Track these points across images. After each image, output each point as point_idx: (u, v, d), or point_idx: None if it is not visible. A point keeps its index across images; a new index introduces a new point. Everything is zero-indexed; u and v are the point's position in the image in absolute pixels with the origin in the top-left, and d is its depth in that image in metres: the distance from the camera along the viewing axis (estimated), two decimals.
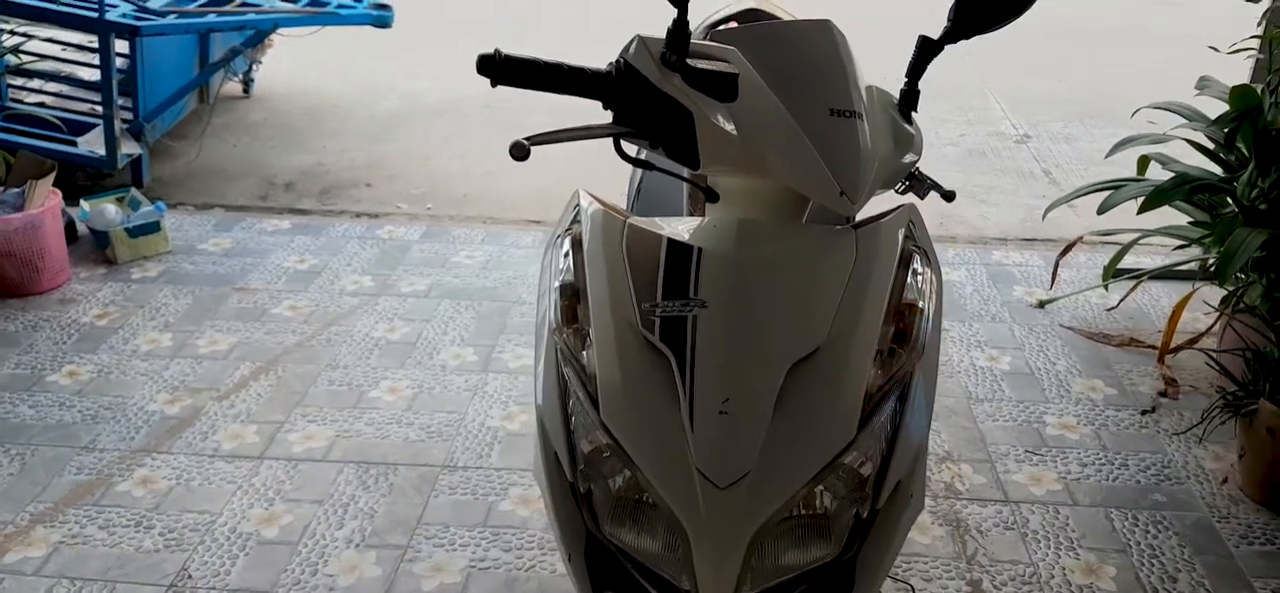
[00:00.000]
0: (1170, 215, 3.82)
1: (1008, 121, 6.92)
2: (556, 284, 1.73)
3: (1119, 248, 3.87)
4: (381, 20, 5.47)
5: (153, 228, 4.47)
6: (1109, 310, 4.29)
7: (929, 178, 1.86)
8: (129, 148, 5.02)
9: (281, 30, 5.65)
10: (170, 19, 5.06)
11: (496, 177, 5.65)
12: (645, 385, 1.56)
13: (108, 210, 4.44)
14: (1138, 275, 4.11)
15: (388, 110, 6.78)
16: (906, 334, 1.66)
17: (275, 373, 3.69)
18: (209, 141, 5.94)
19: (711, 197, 1.77)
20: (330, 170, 5.71)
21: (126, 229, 4.40)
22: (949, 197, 1.86)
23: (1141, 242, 3.86)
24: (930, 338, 1.68)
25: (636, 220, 1.73)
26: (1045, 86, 7.68)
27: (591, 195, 1.82)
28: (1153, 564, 2.94)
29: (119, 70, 4.92)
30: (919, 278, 1.70)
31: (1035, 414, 3.58)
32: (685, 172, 1.66)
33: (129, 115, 5.14)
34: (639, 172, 2.62)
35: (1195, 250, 3.89)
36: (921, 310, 1.67)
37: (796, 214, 1.75)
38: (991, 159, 6.22)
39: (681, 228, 1.73)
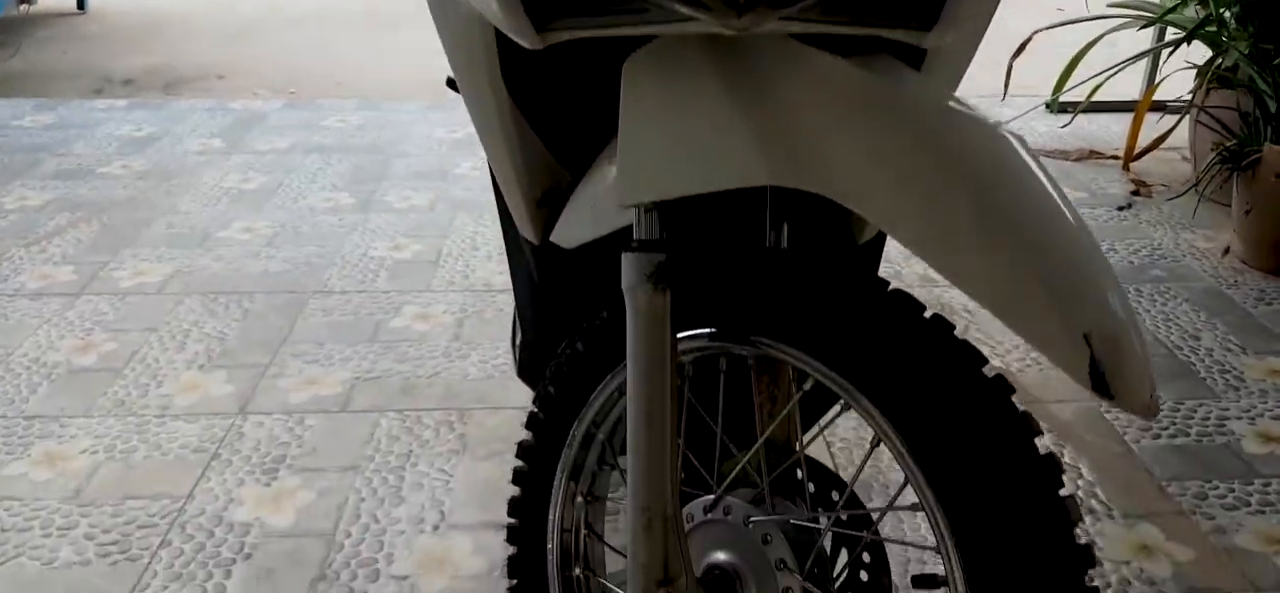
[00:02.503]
0: None
1: None
2: None
3: (1072, 56, 3.48)
4: None
5: None
6: (1063, 127, 3.89)
7: None
8: None
9: None
10: None
11: (373, 65, 5.01)
12: None
13: None
14: (1096, 87, 3.69)
15: (245, 16, 6.07)
16: None
17: (100, 221, 3.01)
18: (32, 51, 5.17)
19: None
20: (177, 68, 4.99)
21: None
22: None
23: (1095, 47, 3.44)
24: None
25: None
26: None
27: None
28: (1170, 327, 2.49)
29: None
30: None
31: None
32: None
33: None
34: None
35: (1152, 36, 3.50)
36: None
37: None
38: None
39: None
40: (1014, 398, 0.90)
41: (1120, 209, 3.25)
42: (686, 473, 1.15)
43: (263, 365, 2.26)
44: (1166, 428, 2.09)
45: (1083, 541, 0.88)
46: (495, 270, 2.73)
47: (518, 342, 1.69)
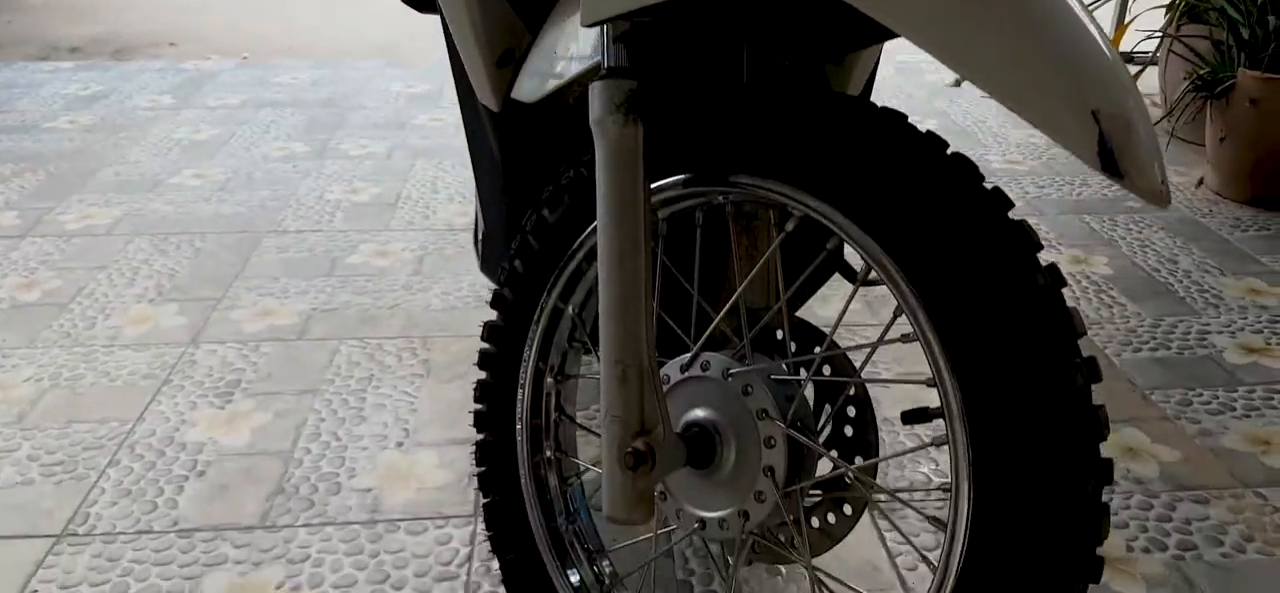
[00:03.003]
0: None
1: None
2: None
3: None
4: None
5: None
6: None
7: None
8: None
9: None
10: None
11: (329, 29, 4.90)
12: None
13: None
14: None
15: None
16: None
17: (46, 170, 2.90)
18: None
19: None
20: (125, 36, 4.86)
21: None
22: None
23: None
24: None
25: None
26: None
27: None
28: (1146, 252, 2.46)
29: None
30: None
31: (977, 157, 3.08)
32: None
33: None
34: None
35: None
36: None
37: None
38: None
39: None
40: (1011, 212, 0.84)
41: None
42: (662, 337, 1.08)
43: (215, 299, 2.17)
44: (1147, 342, 2.05)
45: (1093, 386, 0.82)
46: (457, 211, 2.65)
47: (480, 236, 1.61)
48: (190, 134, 3.23)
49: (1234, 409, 1.82)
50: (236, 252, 2.39)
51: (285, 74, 3.93)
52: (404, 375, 1.89)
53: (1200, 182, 2.85)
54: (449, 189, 2.80)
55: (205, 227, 2.53)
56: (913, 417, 0.95)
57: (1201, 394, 1.87)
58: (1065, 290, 2.21)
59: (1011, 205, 0.85)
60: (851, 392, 1.04)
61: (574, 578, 1.17)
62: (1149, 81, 3.41)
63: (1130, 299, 2.22)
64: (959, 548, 0.86)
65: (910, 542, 0.98)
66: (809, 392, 1.05)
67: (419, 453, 1.67)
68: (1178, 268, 2.38)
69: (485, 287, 2.23)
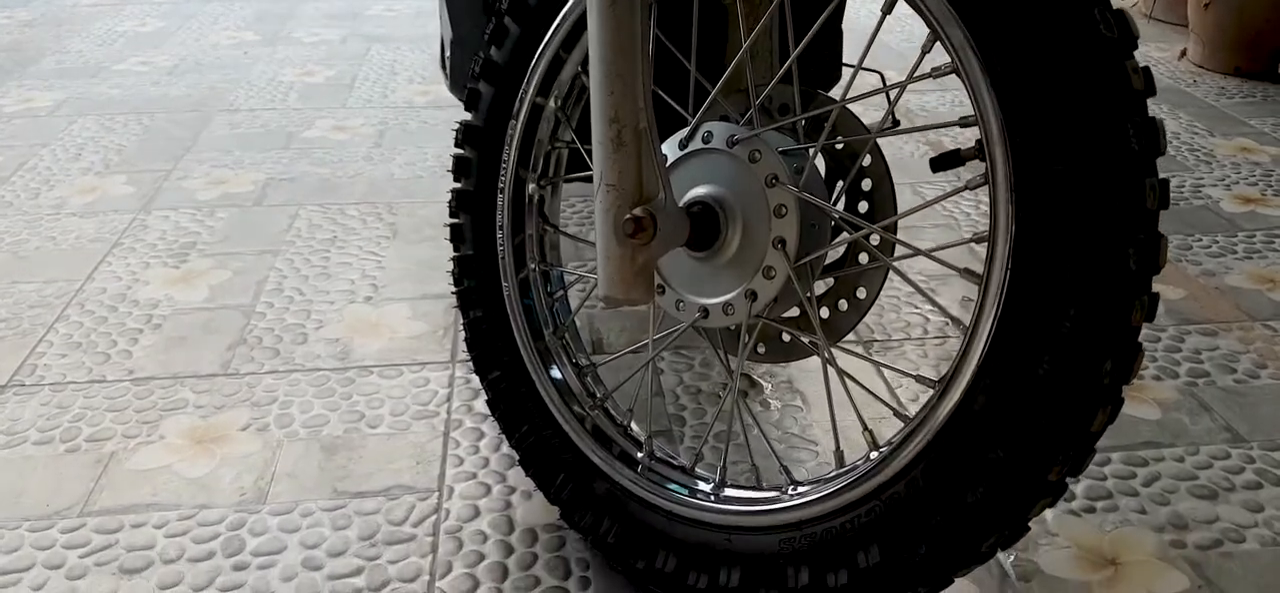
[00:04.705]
0: None
1: None
2: None
3: None
4: None
5: None
6: None
7: None
8: None
9: None
10: None
11: None
12: None
13: None
14: None
15: None
16: None
17: None
18: None
19: None
20: None
21: None
22: None
23: None
24: None
25: None
26: None
27: None
28: None
29: None
30: None
31: None
32: None
33: None
34: None
35: None
36: None
37: None
38: None
39: None
40: None
41: None
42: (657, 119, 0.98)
43: (166, 171, 2.05)
44: None
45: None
46: (418, 91, 2.53)
47: (447, 53, 1.51)
48: (135, 26, 3.07)
49: (1236, 251, 1.76)
50: (187, 128, 2.27)
51: None
52: (369, 238, 1.79)
53: (1182, 53, 2.79)
54: (408, 72, 2.68)
55: (153, 107, 2.40)
56: (943, 162, 0.87)
57: (1201, 239, 1.81)
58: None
59: None
60: (867, 160, 0.95)
61: (557, 376, 1.08)
62: None
63: None
64: (994, 299, 0.78)
65: (937, 304, 0.90)
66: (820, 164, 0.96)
67: (389, 306, 1.57)
68: (1167, 130, 2.31)
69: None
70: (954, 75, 0.78)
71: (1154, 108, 2.48)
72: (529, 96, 1.05)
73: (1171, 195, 1.98)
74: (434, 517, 1.12)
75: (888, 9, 0.84)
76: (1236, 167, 2.11)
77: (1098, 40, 0.72)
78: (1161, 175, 0.74)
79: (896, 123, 0.92)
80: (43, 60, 2.74)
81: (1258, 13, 2.59)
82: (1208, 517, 1.13)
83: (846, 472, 0.87)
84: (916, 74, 0.83)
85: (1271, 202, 1.95)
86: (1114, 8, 0.73)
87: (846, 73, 1.59)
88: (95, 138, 2.20)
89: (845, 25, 1.56)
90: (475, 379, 1.34)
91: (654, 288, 0.93)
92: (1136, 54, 0.75)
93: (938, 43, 0.78)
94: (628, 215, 0.84)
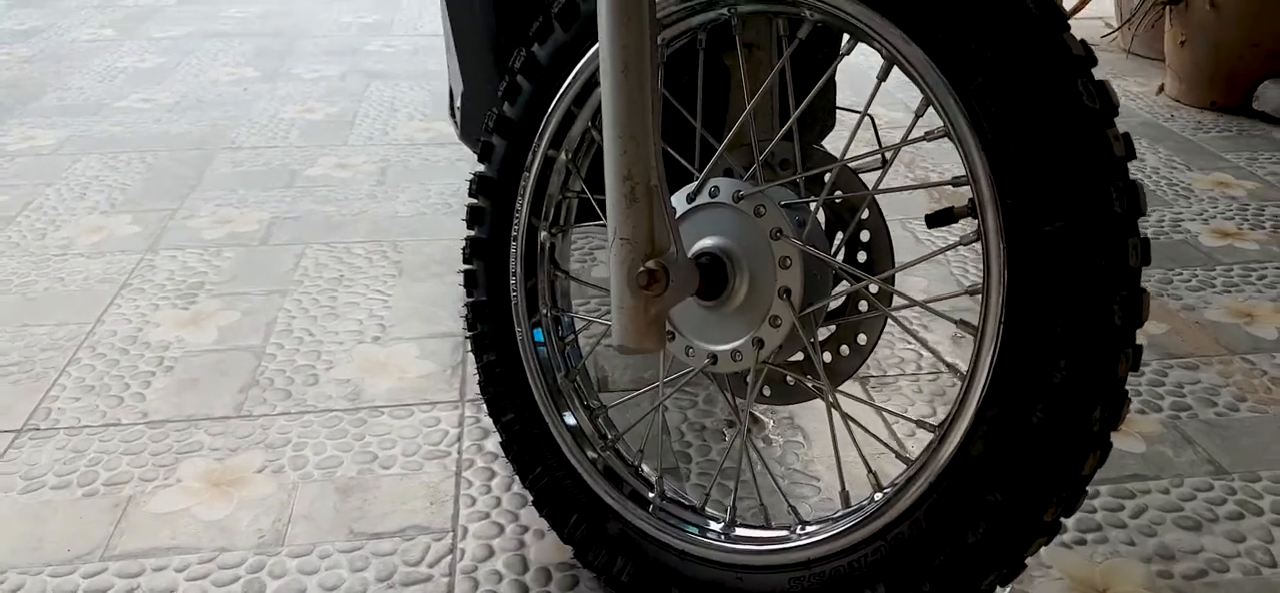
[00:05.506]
0: None
1: None
2: None
3: None
4: None
5: None
6: None
7: None
8: None
9: None
10: None
11: None
12: None
13: None
14: None
15: None
16: None
17: None
18: None
19: None
20: None
21: None
22: None
23: None
24: None
25: None
26: None
27: None
28: None
29: None
30: None
31: None
32: None
33: None
34: None
35: None
36: None
37: None
38: None
39: None
40: None
41: None
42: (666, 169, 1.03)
43: (171, 210, 2.09)
44: None
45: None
46: (419, 128, 2.58)
47: (457, 104, 1.56)
48: (135, 62, 3.11)
49: (1214, 286, 1.82)
50: (190, 167, 2.31)
51: (232, 7, 3.82)
52: (376, 276, 1.83)
53: (1160, 89, 2.86)
54: (408, 108, 2.73)
55: (156, 145, 2.44)
56: (938, 219, 0.92)
57: (1181, 273, 1.87)
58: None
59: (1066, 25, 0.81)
60: (865, 213, 1.01)
61: (570, 420, 1.12)
62: (1103, 5, 3.42)
63: None
64: (989, 350, 0.83)
65: (933, 351, 0.95)
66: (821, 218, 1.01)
67: (397, 345, 1.61)
68: (1146, 165, 2.38)
69: (455, 196, 2.16)
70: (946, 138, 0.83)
71: (1134, 139, 2.55)
72: (541, 150, 1.10)
73: (1150, 230, 2.05)
74: (449, 557, 1.16)
75: (883, 76, 0.89)
76: (1213, 201, 2.18)
77: (1081, 111, 0.77)
78: (1143, 235, 0.79)
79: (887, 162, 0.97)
80: (44, 97, 2.77)
81: (1232, 49, 2.66)
82: (1193, 547, 1.18)
83: (853, 512, 0.92)
84: (910, 137, 0.89)
85: (1248, 236, 2.01)
86: (1096, 80, 0.79)
87: (846, 129, 1.64)
88: (99, 177, 2.24)
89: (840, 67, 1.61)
90: (485, 419, 1.38)
91: (665, 336, 0.98)
92: (1116, 86, 0.81)
93: (930, 107, 0.84)
94: (641, 268, 0.89)
